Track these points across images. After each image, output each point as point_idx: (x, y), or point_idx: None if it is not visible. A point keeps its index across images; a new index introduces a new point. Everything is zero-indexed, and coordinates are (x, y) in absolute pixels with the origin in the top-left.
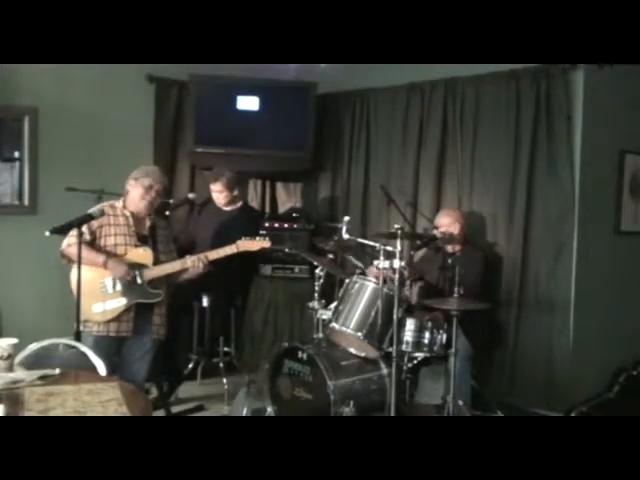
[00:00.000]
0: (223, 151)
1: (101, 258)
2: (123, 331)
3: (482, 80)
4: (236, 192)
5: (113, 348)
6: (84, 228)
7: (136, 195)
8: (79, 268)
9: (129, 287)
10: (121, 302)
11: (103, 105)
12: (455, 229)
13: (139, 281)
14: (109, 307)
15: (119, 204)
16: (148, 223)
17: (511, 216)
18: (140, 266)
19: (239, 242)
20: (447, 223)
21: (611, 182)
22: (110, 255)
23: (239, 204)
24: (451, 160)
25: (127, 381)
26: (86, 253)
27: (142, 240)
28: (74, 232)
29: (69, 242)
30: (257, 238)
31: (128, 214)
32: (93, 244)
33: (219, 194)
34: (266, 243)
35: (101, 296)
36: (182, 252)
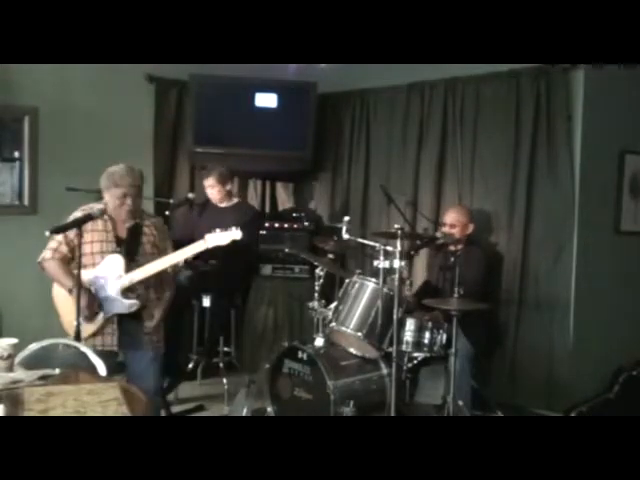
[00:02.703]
0: (223, 151)
1: (69, 284)
2: (108, 345)
3: (482, 80)
4: (229, 187)
5: (109, 361)
6: (61, 238)
7: (113, 206)
8: (79, 267)
9: (104, 300)
10: (98, 317)
11: (103, 105)
12: (469, 229)
13: (113, 292)
14: (87, 324)
15: (98, 207)
16: (128, 224)
17: (511, 216)
18: (112, 275)
19: (207, 236)
20: (462, 221)
21: (611, 182)
22: (80, 275)
23: (234, 201)
24: (451, 160)
25: None
26: (58, 273)
27: (120, 244)
28: (51, 244)
29: (44, 257)
30: (230, 229)
31: (106, 218)
32: (73, 254)
33: (212, 189)
34: (236, 235)
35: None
36: None
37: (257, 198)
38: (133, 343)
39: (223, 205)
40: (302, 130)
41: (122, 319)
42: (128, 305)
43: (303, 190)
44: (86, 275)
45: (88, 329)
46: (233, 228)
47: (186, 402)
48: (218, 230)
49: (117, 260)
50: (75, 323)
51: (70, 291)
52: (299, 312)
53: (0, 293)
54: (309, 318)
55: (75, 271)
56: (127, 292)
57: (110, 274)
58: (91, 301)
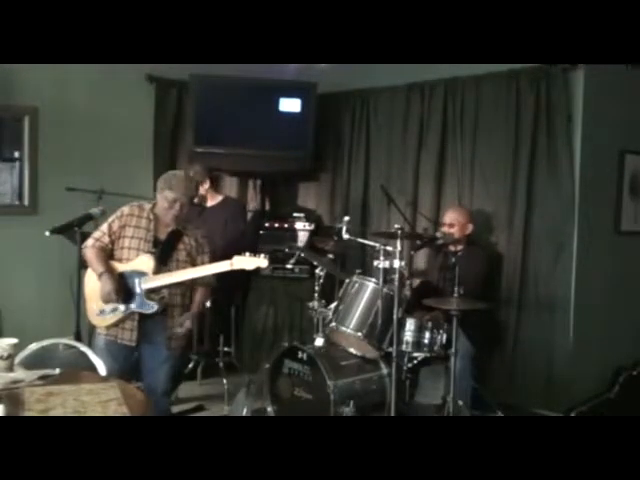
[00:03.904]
0: (223, 151)
1: (100, 269)
2: (126, 339)
3: (482, 80)
4: (207, 185)
5: (124, 355)
6: (106, 229)
7: (161, 208)
8: (79, 271)
9: (129, 296)
10: (118, 309)
11: (103, 105)
12: (468, 229)
13: (137, 290)
14: (107, 313)
15: (148, 206)
16: (170, 229)
17: (511, 216)
18: (141, 274)
19: (236, 258)
20: (462, 221)
21: (611, 182)
22: (114, 266)
23: (219, 198)
24: (451, 160)
25: (147, 392)
26: (92, 259)
27: (157, 245)
28: (95, 234)
29: (87, 244)
30: (259, 255)
31: (152, 217)
32: (113, 246)
33: None
34: (263, 262)
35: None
36: None
37: (257, 198)
38: (150, 342)
39: (210, 204)
40: (302, 130)
41: (143, 317)
42: (148, 306)
43: (303, 190)
44: (121, 268)
45: (109, 319)
46: (262, 255)
47: (186, 402)
48: (247, 254)
49: (148, 260)
50: (98, 311)
51: (100, 276)
52: (299, 312)
53: (0, 293)
54: (309, 318)
55: (110, 261)
56: (151, 294)
57: (140, 273)
58: (119, 287)
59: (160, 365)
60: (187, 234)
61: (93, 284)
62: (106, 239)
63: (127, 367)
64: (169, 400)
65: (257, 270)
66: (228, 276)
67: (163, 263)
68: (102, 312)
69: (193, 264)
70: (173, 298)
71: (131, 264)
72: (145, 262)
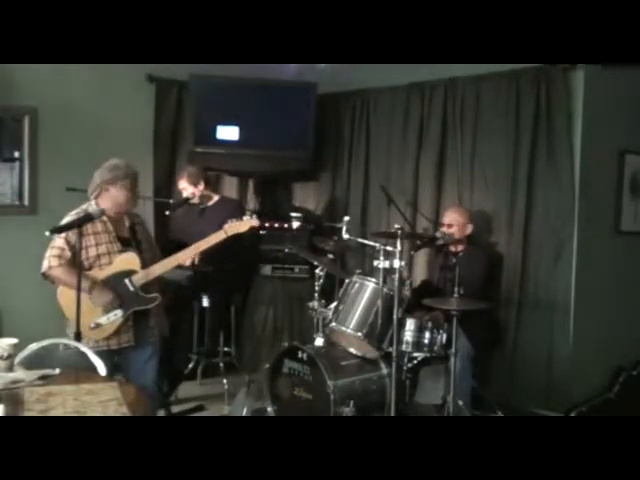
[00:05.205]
0: (223, 151)
1: (85, 284)
2: (124, 342)
3: (482, 80)
4: (201, 186)
5: (113, 358)
6: (63, 244)
7: (122, 197)
8: (79, 270)
9: (124, 297)
10: (117, 314)
11: (103, 105)
12: (467, 229)
13: (131, 288)
14: (106, 322)
15: (93, 208)
16: (127, 223)
17: (511, 216)
18: (128, 273)
19: (226, 226)
20: (461, 222)
21: (611, 182)
22: (95, 277)
23: (216, 198)
24: (451, 160)
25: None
26: (70, 278)
27: (124, 243)
28: (53, 252)
29: (50, 264)
30: (244, 218)
31: (105, 219)
32: (74, 259)
33: (185, 191)
34: (254, 222)
35: (96, 312)
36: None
37: (257, 198)
38: (138, 338)
39: (208, 204)
40: (302, 130)
41: (136, 316)
42: (150, 299)
43: (302, 190)
44: (101, 275)
45: (108, 328)
46: (248, 215)
47: (186, 402)
48: (234, 220)
49: (133, 257)
50: (93, 324)
51: (90, 290)
52: (299, 312)
53: (0, 293)
54: (309, 318)
55: (85, 271)
56: (146, 287)
57: (128, 272)
58: (115, 293)
59: (148, 362)
60: (138, 223)
61: (72, 303)
62: (68, 253)
63: (110, 371)
64: (158, 389)
65: (257, 270)
66: (228, 277)
67: (139, 257)
68: (98, 324)
69: (152, 250)
70: (154, 287)
71: (111, 268)
72: (130, 260)
